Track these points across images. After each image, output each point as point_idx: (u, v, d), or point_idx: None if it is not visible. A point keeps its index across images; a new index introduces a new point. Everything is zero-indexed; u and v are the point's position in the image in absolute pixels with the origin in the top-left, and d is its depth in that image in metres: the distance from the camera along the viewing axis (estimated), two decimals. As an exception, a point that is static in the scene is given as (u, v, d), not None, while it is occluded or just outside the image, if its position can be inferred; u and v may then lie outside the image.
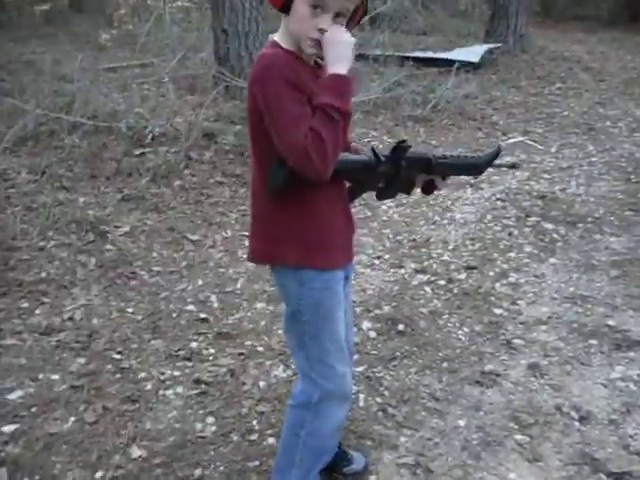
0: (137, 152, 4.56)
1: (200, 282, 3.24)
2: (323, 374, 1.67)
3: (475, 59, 7.95)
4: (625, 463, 2.05)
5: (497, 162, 1.81)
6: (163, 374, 2.52)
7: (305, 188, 1.49)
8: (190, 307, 3.00)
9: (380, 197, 1.75)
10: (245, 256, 3.47)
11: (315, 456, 1.77)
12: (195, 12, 9.16)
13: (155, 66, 6.76)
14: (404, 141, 1.61)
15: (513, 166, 2.03)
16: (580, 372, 2.54)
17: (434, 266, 3.41)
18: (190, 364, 2.58)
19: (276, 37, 1.51)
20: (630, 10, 14.47)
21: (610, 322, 2.87)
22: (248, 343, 2.73)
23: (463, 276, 3.30)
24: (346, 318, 1.77)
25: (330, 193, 1.58)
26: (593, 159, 5.27)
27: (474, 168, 1.80)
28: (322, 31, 1.41)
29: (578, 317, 2.92)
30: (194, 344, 2.72)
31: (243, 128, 4.92)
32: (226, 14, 5.87)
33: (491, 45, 8.90)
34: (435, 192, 1.81)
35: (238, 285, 3.21)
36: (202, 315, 2.93)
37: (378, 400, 2.37)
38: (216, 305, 3.03)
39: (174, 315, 2.93)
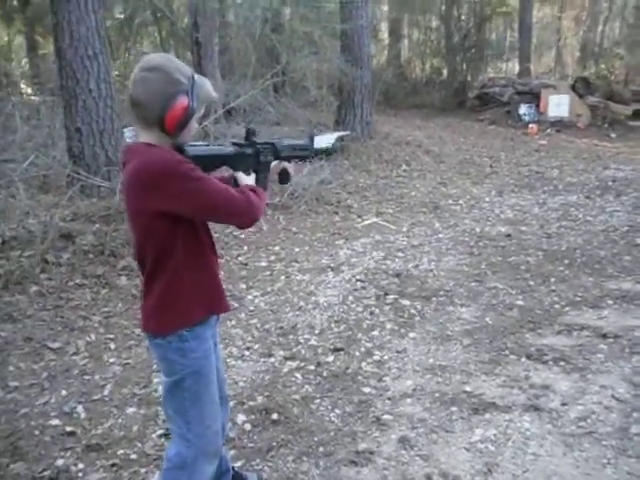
0: (-15, 259, 4.32)
1: (64, 392, 3.09)
2: (200, 434, 1.87)
3: (328, 146, 8.47)
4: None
5: (319, 147, 2.37)
6: (27, 499, 2.35)
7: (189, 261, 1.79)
8: (54, 421, 2.84)
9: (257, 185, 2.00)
10: (112, 360, 3.36)
11: None
12: (44, 108, 8.98)
13: (1, 165, 6.50)
14: (250, 128, 2.02)
15: (328, 152, 2.83)
16: (445, 439, 2.71)
17: (302, 352, 3.51)
18: (57, 484, 2.44)
19: (154, 143, 1.73)
20: (457, 98, 16.48)
21: (467, 388, 3.10)
22: (120, 452, 2.63)
23: (331, 359, 3.42)
24: (221, 374, 2.06)
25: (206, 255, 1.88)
26: (440, 235, 5.75)
27: (306, 149, 2.21)
28: None
29: (439, 387, 3.12)
30: (60, 461, 2.57)
31: (102, 226, 4.85)
32: (79, 112, 5.84)
33: (341, 133, 9.54)
34: (288, 182, 2.21)
35: (106, 392, 3.10)
36: (68, 428, 2.78)
37: (258, 494, 2.37)
38: (83, 415, 2.90)
39: (36, 432, 2.76)
